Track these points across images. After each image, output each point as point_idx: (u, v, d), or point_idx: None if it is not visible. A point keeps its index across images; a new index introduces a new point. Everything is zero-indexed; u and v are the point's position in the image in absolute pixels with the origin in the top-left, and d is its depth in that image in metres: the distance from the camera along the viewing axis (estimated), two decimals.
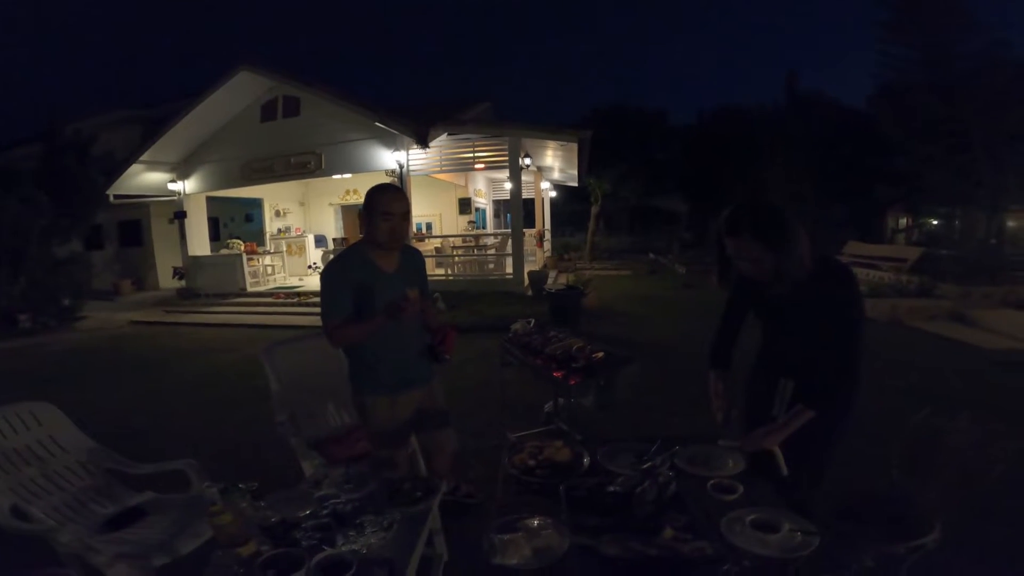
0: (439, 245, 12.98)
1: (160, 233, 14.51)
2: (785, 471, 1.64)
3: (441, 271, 11.58)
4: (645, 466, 1.61)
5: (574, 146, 10.88)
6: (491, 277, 11.05)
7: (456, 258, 12.02)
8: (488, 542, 1.30)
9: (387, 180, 10.72)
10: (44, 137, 11.17)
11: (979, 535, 2.21)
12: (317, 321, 8.40)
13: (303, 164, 11.27)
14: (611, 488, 1.50)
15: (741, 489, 1.52)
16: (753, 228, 1.62)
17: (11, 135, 14.61)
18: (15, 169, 10.37)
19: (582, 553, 1.27)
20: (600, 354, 2.46)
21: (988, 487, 1.66)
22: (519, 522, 1.37)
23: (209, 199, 13.06)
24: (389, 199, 2.09)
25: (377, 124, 10.09)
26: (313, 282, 12.65)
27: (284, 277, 13.44)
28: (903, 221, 20.23)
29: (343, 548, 1.42)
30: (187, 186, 12.35)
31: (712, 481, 1.57)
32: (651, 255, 17.84)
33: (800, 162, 17.36)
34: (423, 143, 9.77)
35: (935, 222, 17.51)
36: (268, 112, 11.55)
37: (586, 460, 1.73)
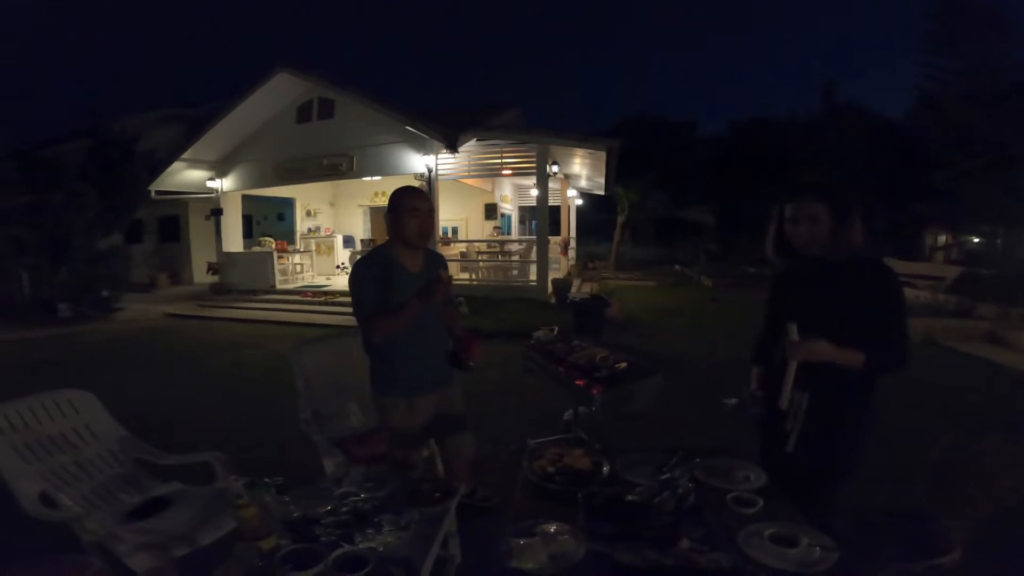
0: (464, 250, 13.06)
1: (197, 229, 14.93)
2: (786, 401, 1.66)
3: (466, 275, 11.65)
4: (664, 477, 1.60)
5: (602, 155, 10.85)
6: (515, 283, 11.07)
7: (481, 263, 12.08)
8: (505, 545, 1.31)
9: (416, 184, 10.87)
10: (92, 133, 11.60)
11: (1001, 556, 2.14)
12: (343, 320, 8.56)
13: (335, 166, 11.48)
14: (629, 497, 1.50)
15: (761, 503, 1.51)
16: (817, 188, 1.73)
17: (60, 130, 15.08)
18: (63, 163, 10.78)
19: (597, 560, 1.27)
20: (624, 364, 2.45)
21: (1017, 508, 1.63)
22: (536, 527, 1.38)
23: (244, 197, 13.40)
24: (415, 196, 2.17)
25: (408, 128, 10.22)
26: (340, 282, 12.85)
27: (312, 276, 13.69)
28: (942, 238, 19.59)
29: (361, 545, 1.44)
30: (224, 184, 12.68)
31: (732, 494, 1.56)
32: (677, 267, 17.65)
33: (835, 175, 16.98)
34: (453, 148, 9.85)
35: (976, 240, 16.93)
36: (303, 114, 11.81)
37: (605, 469, 1.73)
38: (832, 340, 1.61)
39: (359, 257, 2.26)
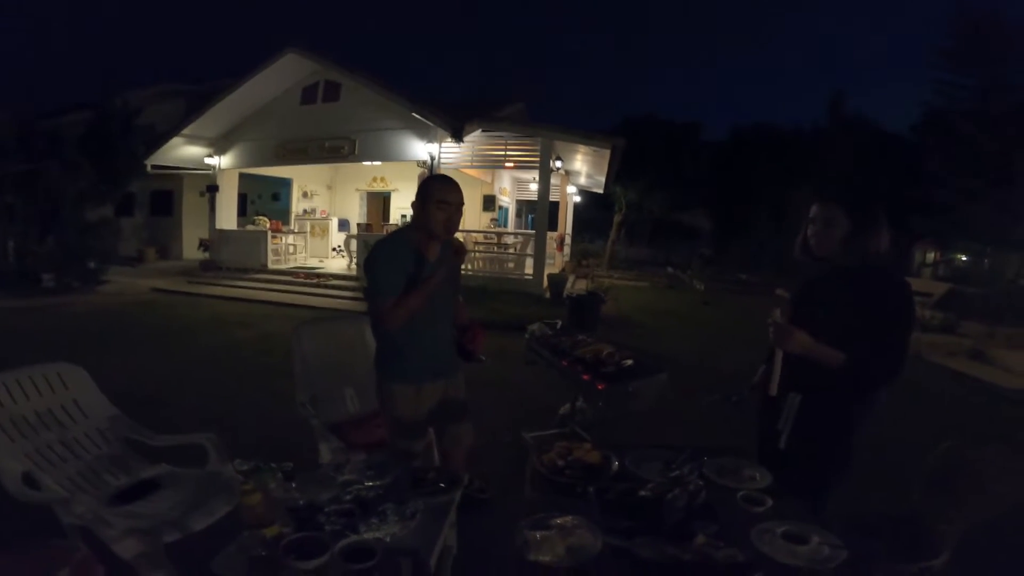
0: (461, 239, 12.97)
1: (190, 205, 14.76)
2: (775, 391, 1.73)
3: (461, 266, 11.56)
4: (674, 474, 1.61)
5: (606, 152, 10.82)
6: (510, 276, 11.01)
7: (476, 254, 11.99)
8: (521, 538, 1.29)
9: (418, 170, 10.77)
10: (93, 106, 11.41)
11: (989, 559, 2.22)
12: (335, 303, 8.44)
13: (337, 149, 11.39)
14: (642, 493, 1.50)
15: (770, 502, 1.54)
16: (839, 193, 1.79)
17: (65, 101, 14.85)
18: (62, 135, 10.59)
19: (615, 553, 1.28)
20: (630, 361, 2.43)
21: (1007, 515, 1.73)
22: (551, 520, 1.36)
23: (240, 175, 13.25)
24: (447, 188, 2.09)
25: (414, 115, 10.14)
26: (334, 265, 12.76)
27: (305, 258, 13.56)
28: (931, 255, 19.81)
29: (366, 535, 1.40)
30: (222, 161, 12.55)
31: (741, 493, 1.59)
32: (670, 269, 17.68)
33: (834, 186, 17.07)
34: (458, 137, 9.80)
35: (963, 258, 17.15)
36: (308, 95, 11.71)
37: (615, 464, 1.71)
38: (838, 346, 1.65)
39: (380, 240, 2.18)
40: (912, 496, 1.94)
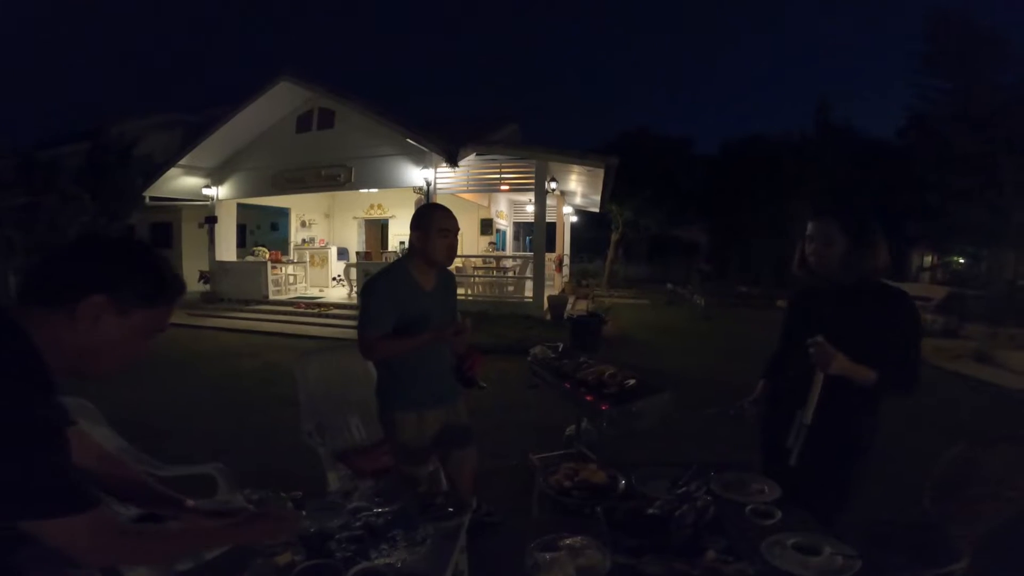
0: (460, 265, 13.04)
1: (189, 237, 14.80)
2: (808, 420, 1.67)
3: (461, 291, 11.61)
4: (681, 490, 1.62)
5: (600, 172, 10.94)
6: (510, 300, 11.00)
7: (476, 279, 12.04)
8: (531, 560, 1.30)
9: (415, 196, 10.86)
10: (90, 136, 11.52)
11: (1008, 564, 2.17)
12: (337, 332, 8.45)
13: (333, 177, 11.46)
14: (650, 511, 1.51)
15: (779, 515, 1.54)
16: (836, 210, 1.79)
17: (61, 131, 14.96)
18: (60, 165, 10.66)
19: (624, 572, 1.28)
20: (633, 381, 2.46)
21: (1020, 518, 1.70)
22: (559, 541, 1.37)
23: (238, 206, 13.32)
24: (447, 216, 2.16)
25: (408, 141, 10.24)
26: (334, 294, 12.79)
27: (305, 287, 13.60)
28: (928, 259, 19.88)
29: (377, 561, 1.41)
30: (220, 192, 12.62)
31: (750, 506, 1.59)
32: (670, 286, 17.71)
33: (827, 194, 17.21)
34: (453, 162, 9.87)
35: (962, 261, 17.22)
36: (303, 123, 11.82)
37: (622, 483, 1.73)
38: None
39: (378, 272, 2.22)
40: (922, 502, 1.92)
